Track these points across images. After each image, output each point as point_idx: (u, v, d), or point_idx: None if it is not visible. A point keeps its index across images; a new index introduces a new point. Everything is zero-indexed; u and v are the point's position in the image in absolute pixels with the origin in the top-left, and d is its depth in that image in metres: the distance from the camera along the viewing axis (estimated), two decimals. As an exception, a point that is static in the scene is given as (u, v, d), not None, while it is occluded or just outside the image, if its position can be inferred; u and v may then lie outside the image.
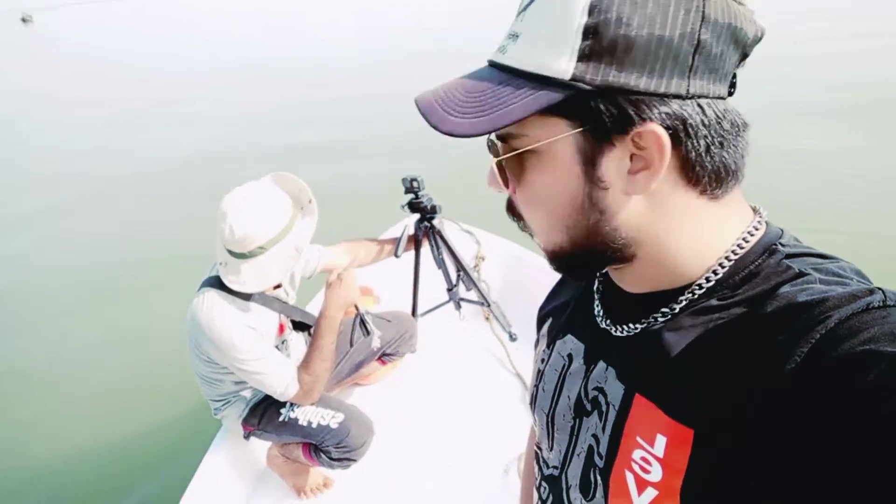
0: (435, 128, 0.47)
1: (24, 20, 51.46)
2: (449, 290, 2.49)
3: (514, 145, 0.49)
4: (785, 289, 0.46)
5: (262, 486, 2.00)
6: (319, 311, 1.83)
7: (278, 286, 1.88)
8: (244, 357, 1.67)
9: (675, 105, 0.44)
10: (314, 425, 1.77)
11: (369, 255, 2.21)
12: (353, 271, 1.84)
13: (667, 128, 0.44)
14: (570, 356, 0.62)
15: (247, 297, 1.74)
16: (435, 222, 2.25)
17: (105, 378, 3.41)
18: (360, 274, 2.35)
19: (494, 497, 1.81)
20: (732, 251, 0.50)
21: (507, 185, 0.52)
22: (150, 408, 3.07)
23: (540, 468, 0.68)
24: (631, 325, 0.54)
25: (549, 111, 0.45)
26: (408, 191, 2.19)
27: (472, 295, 2.49)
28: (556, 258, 0.53)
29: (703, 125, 0.45)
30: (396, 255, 2.23)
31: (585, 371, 0.59)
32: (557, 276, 2.60)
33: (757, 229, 0.51)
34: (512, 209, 0.56)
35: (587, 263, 0.53)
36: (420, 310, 2.51)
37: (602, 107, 0.44)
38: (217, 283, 1.72)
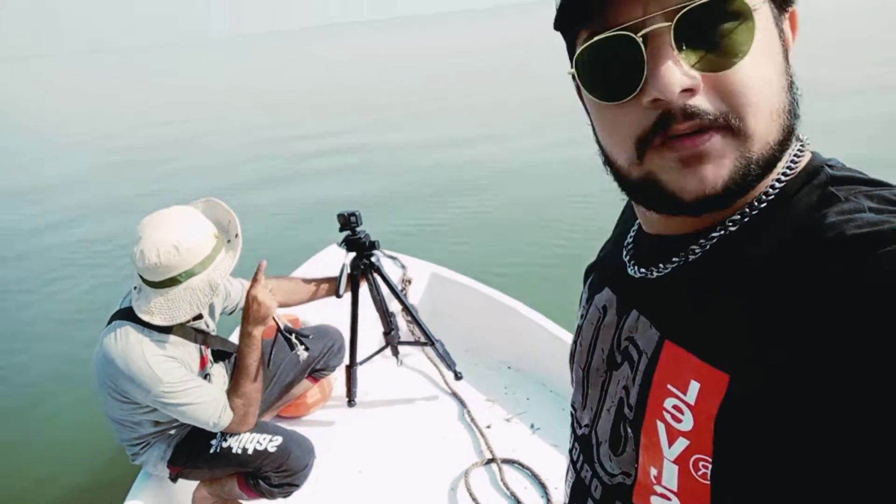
0: None
1: None
2: (386, 333, 2.41)
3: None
4: (830, 219, 0.41)
5: None
6: (239, 331, 1.74)
7: (199, 317, 1.77)
8: (172, 390, 1.55)
9: None
10: (250, 452, 1.67)
11: (302, 293, 2.08)
12: (265, 283, 1.72)
13: None
14: (604, 308, 0.61)
15: (166, 329, 1.60)
16: (373, 259, 2.20)
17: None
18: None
19: None
20: (771, 185, 0.46)
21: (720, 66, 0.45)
22: (57, 458, 2.76)
23: (573, 430, 0.66)
24: (662, 266, 0.51)
25: None
26: (343, 227, 2.14)
27: (412, 335, 2.42)
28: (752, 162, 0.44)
29: None
30: (338, 295, 2.08)
31: (618, 322, 0.57)
32: (482, 289, 2.45)
33: (798, 157, 0.47)
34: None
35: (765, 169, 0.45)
36: (358, 357, 2.39)
37: None
38: (129, 315, 1.59)
